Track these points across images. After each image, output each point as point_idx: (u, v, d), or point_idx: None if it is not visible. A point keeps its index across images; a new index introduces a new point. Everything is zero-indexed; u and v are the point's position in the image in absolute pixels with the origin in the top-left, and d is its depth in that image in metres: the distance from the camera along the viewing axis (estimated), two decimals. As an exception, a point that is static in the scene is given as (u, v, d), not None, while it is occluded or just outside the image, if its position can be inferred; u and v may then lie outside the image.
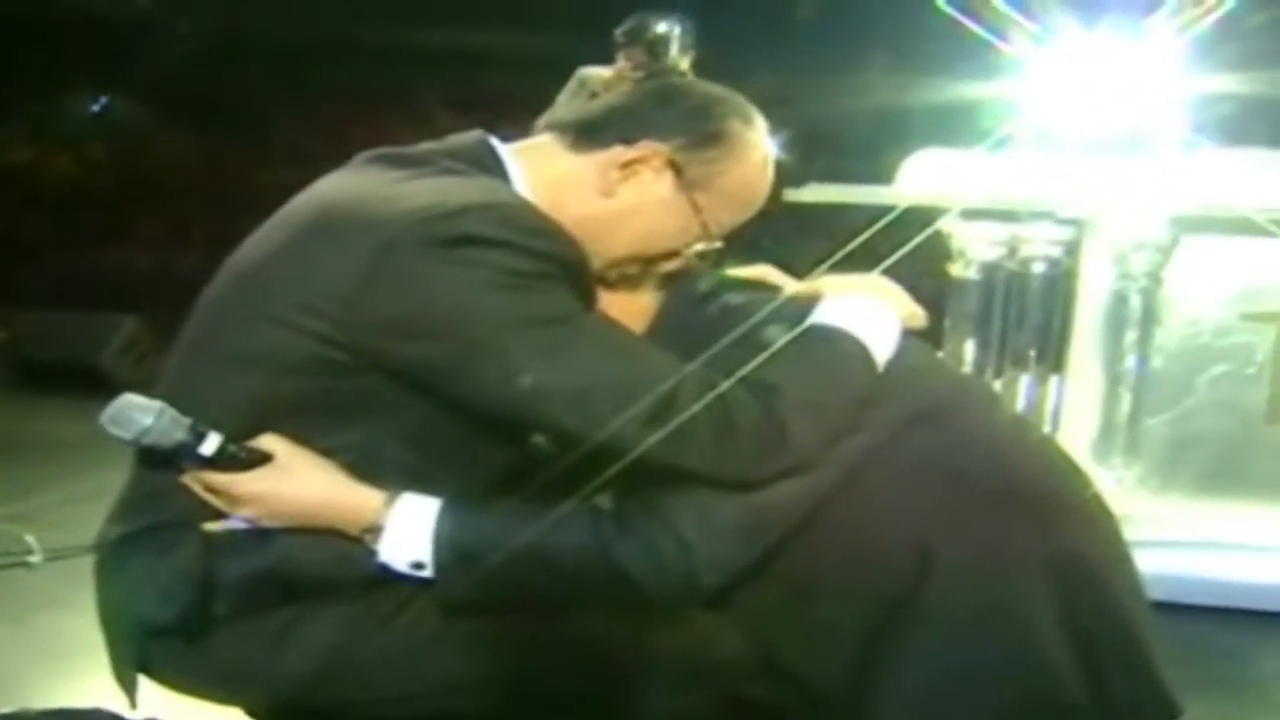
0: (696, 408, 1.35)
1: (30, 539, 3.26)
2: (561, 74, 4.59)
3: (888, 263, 1.78)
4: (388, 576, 1.42)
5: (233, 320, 1.46)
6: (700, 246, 1.59)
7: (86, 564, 1.53)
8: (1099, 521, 1.58)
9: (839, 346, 1.46)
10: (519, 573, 1.38)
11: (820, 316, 1.51)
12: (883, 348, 1.50)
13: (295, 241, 1.44)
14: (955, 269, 3.26)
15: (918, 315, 1.62)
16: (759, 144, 1.56)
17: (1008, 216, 3.19)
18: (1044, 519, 1.51)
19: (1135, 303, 3.17)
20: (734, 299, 1.62)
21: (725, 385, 1.37)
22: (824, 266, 1.78)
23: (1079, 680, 1.45)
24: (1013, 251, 3.25)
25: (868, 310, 1.52)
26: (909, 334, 1.58)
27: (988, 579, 1.46)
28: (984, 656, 1.45)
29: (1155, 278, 3.17)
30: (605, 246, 1.51)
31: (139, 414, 1.38)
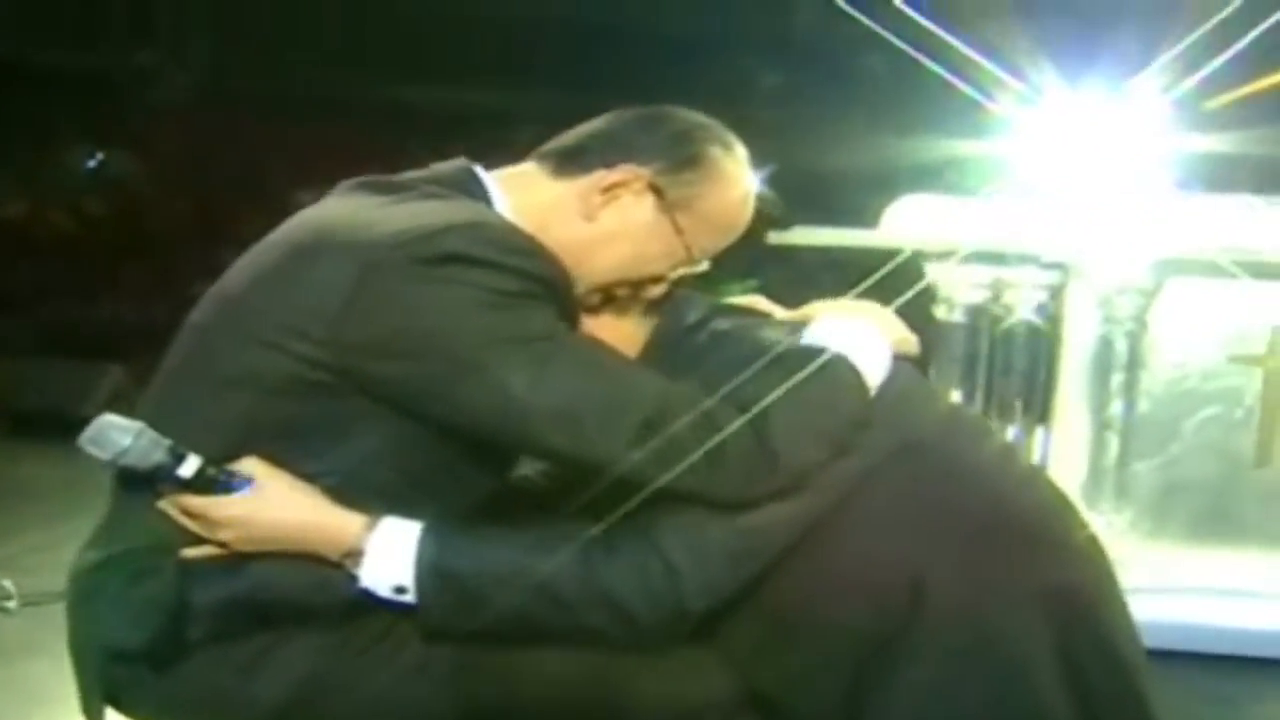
0: (685, 429, 1.33)
1: (7, 584, 3.21)
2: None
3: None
4: (368, 602, 1.40)
5: (217, 343, 1.45)
6: (683, 271, 1.59)
7: (64, 610, 1.51)
8: (1093, 557, 1.56)
9: (830, 368, 1.45)
10: (503, 597, 1.36)
11: (811, 338, 1.50)
12: (874, 371, 1.49)
13: (280, 265, 1.44)
14: (939, 312, 3.26)
15: (910, 340, 1.61)
16: (738, 169, 1.56)
17: (992, 260, 3.19)
18: (1037, 552, 1.49)
19: (1121, 346, 3.16)
20: (722, 324, 1.61)
21: (711, 403, 1.36)
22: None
23: None
24: (997, 295, 3.25)
25: (859, 333, 1.51)
26: (901, 360, 1.57)
27: (980, 612, 1.44)
28: (976, 693, 1.43)
29: (1140, 321, 3.17)
30: (590, 271, 1.51)
31: (118, 434, 1.37)
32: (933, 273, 3.22)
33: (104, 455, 1.36)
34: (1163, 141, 3.20)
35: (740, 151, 1.58)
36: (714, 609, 1.41)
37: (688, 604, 1.38)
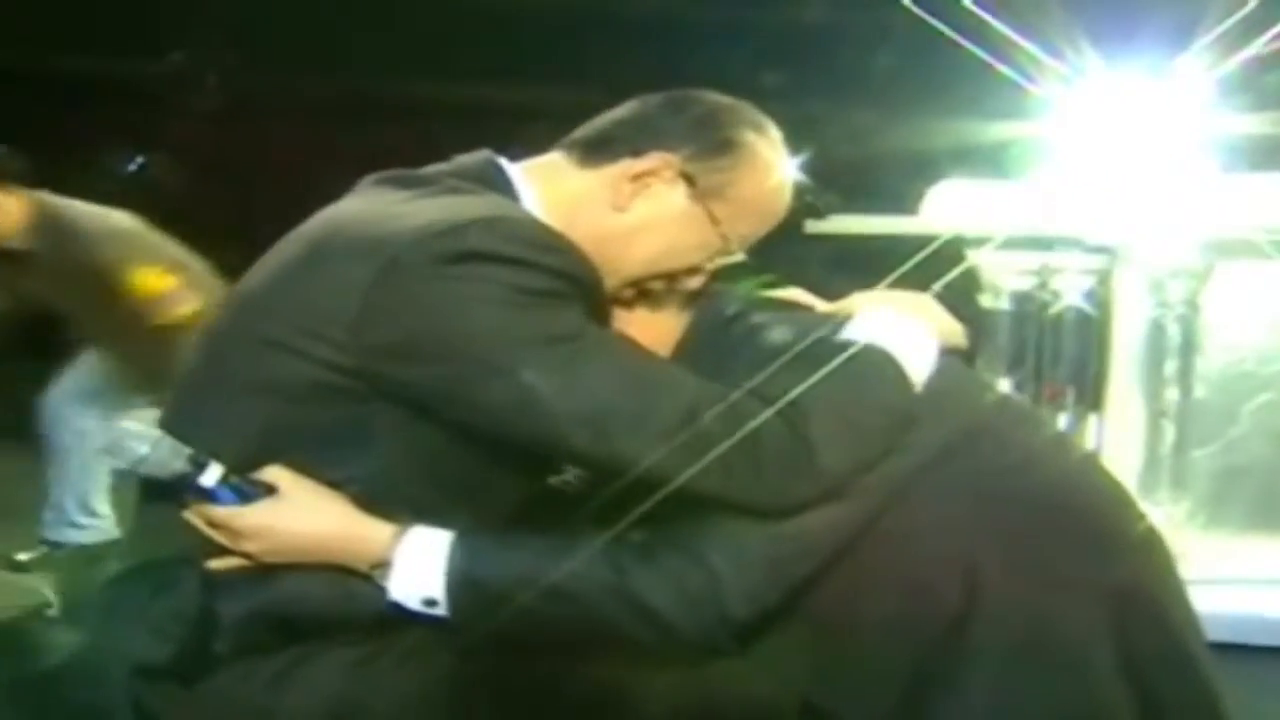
0: (719, 429, 1.27)
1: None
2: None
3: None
4: (398, 615, 1.34)
5: (235, 347, 1.40)
6: (721, 261, 1.53)
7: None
8: (1153, 548, 1.49)
9: (871, 363, 1.38)
10: (537, 608, 1.30)
11: (851, 332, 1.44)
12: (919, 365, 1.42)
13: (297, 265, 1.39)
14: (985, 300, 3.19)
15: (957, 332, 1.54)
16: (772, 152, 1.50)
17: (1038, 245, 3.12)
18: (1094, 545, 1.43)
19: (1173, 331, 3.08)
20: (760, 318, 1.55)
21: (747, 403, 1.30)
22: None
23: None
24: (1044, 282, 3.17)
25: (902, 326, 1.44)
26: (948, 353, 1.50)
27: (1038, 608, 1.37)
28: (1036, 690, 1.36)
29: (1193, 305, 3.09)
30: (623, 264, 1.45)
31: (135, 442, 1.33)
32: (976, 259, 3.15)
33: (122, 464, 1.32)
34: (1206, 122, 3.11)
35: (774, 133, 1.52)
36: (757, 617, 1.35)
37: (729, 611, 1.31)
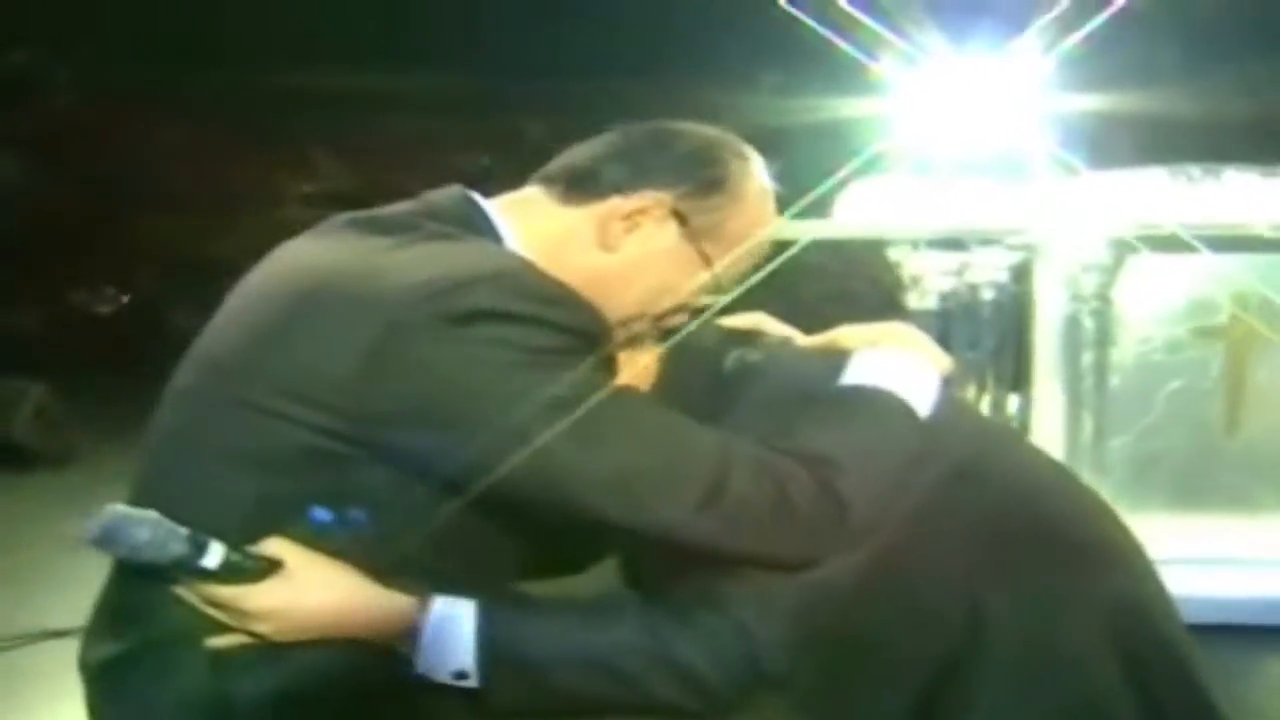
0: (751, 488, 1.26)
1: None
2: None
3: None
4: (423, 689, 1.30)
5: (212, 412, 1.32)
6: (708, 298, 1.52)
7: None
8: (1140, 557, 1.54)
9: (885, 408, 1.39)
10: (572, 676, 1.28)
11: (858, 376, 1.44)
12: (924, 403, 1.43)
13: (278, 325, 1.30)
14: (912, 299, 3.23)
15: (945, 362, 1.56)
16: (759, 184, 1.49)
17: (956, 244, 3.17)
18: (1090, 559, 1.46)
19: (1089, 324, 3.17)
20: (750, 355, 1.54)
21: (766, 455, 1.28)
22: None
23: None
24: (963, 279, 3.23)
25: (905, 365, 1.45)
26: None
27: (1042, 631, 1.40)
28: (1045, 713, 1.39)
29: (1105, 298, 3.18)
30: (612, 304, 1.41)
31: (133, 528, 1.24)
32: (900, 258, 3.20)
33: (119, 553, 1.25)
34: (1045, 101, 3.19)
35: (757, 160, 1.50)
36: (787, 665, 1.35)
37: (762, 666, 1.31)
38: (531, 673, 1.28)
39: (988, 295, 3.25)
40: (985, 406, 3.28)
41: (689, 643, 1.29)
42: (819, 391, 1.43)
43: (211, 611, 1.29)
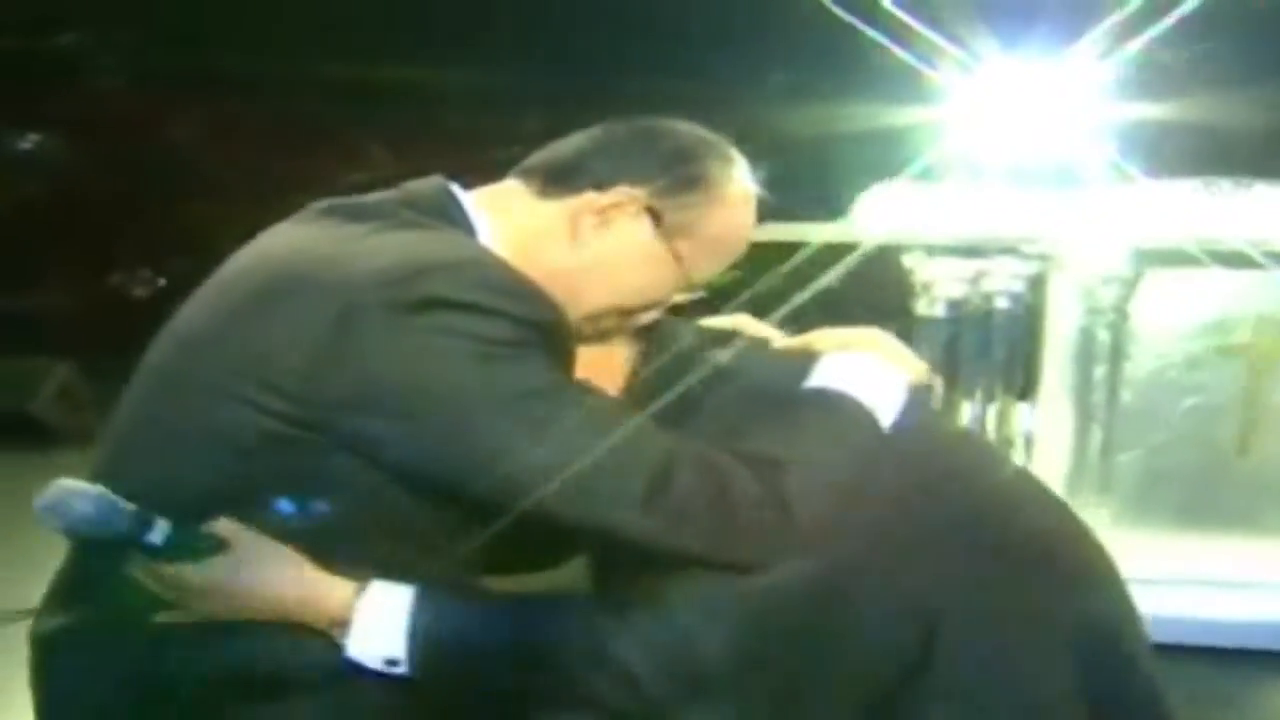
0: (696, 487, 1.24)
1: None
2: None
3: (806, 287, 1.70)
4: (359, 675, 1.29)
5: (179, 394, 1.33)
6: (681, 297, 1.50)
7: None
8: (1111, 580, 1.50)
9: (844, 412, 1.37)
10: (503, 668, 1.26)
11: (821, 379, 1.41)
12: (888, 410, 1.41)
13: (244, 307, 1.32)
14: (921, 307, 3.19)
15: (920, 370, 1.53)
16: (741, 186, 1.47)
17: (971, 251, 3.13)
18: (1057, 580, 1.43)
19: (1103, 337, 3.11)
20: (722, 357, 1.52)
21: (713, 455, 1.26)
22: (785, 308, 1.70)
23: None
24: (977, 287, 3.19)
25: (871, 370, 1.42)
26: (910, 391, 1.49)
27: (998, 649, 1.37)
28: None
29: (1122, 311, 3.12)
30: (581, 300, 1.42)
31: (77, 501, 1.24)
32: (912, 264, 3.16)
33: (61, 525, 1.25)
34: (1102, 108, 3.15)
35: (743, 167, 1.49)
36: (733, 673, 1.33)
37: (702, 670, 1.29)
38: (461, 662, 1.27)
39: (1001, 304, 3.19)
40: (992, 417, 3.23)
41: (626, 642, 1.27)
42: (781, 394, 1.41)
43: (154, 588, 1.29)
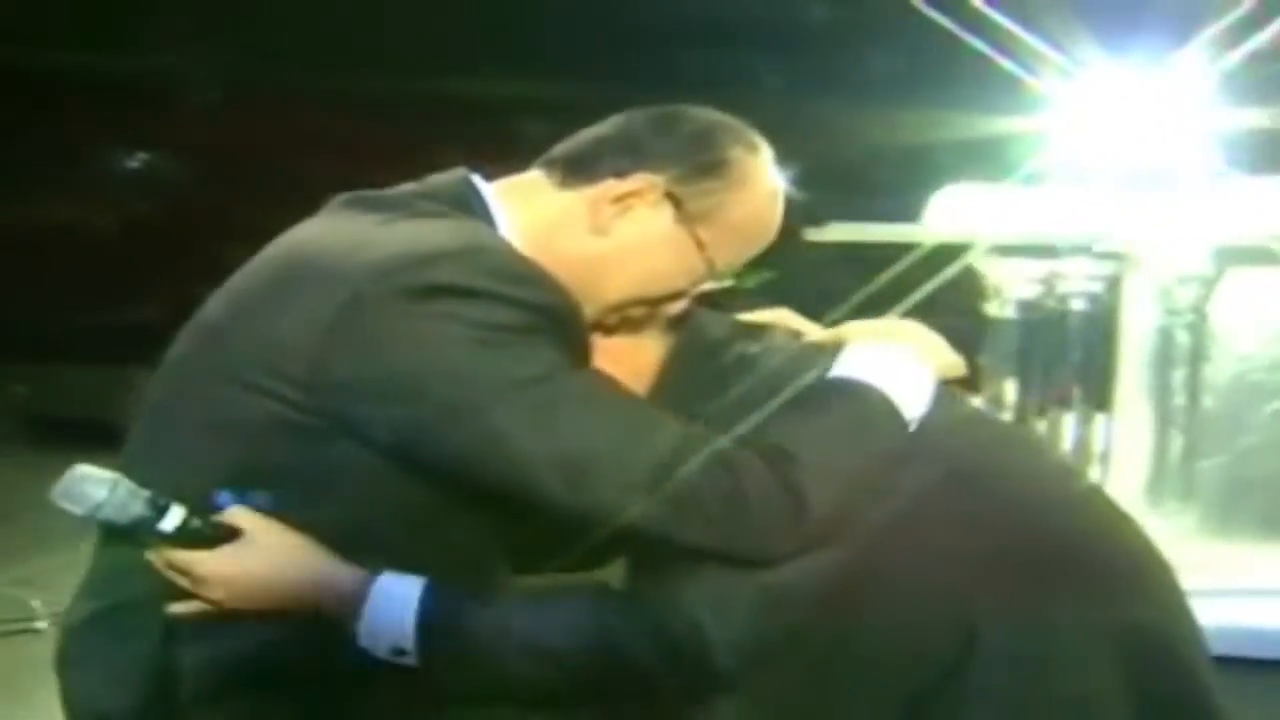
0: (702, 477, 1.21)
1: (36, 604, 3.15)
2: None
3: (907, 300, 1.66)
4: (371, 665, 1.28)
5: (195, 381, 1.34)
6: (707, 286, 1.47)
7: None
8: (1165, 586, 1.43)
9: (864, 403, 1.32)
10: (511, 660, 1.24)
11: (843, 369, 1.37)
12: (914, 402, 1.36)
13: (258, 295, 1.33)
14: (991, 308, 3.12)
15: (956, 364, 1.48)
16: (765, 173, 1.43)
17: (1044, 252, 3.05)
18: (1104, 584, 1.35)
19: (1182, 339, 3.01)
20: (750, 348, 1.49)
21: (722, 444, 1.23)
22: (846, 306, 1.66)
23: None
24: (1050, 288, 3.10)
25: (897, 361, 1.38)
26: (946, 384, 1.44)
27: (1040, 654, 1.30)
28: None
29: (1201, 312, 3.02)
30: (603, 290, 1.39)
31: (92, 487, 1.26)
32: (982, 265, 3.09)
33: (78, 510, 1.26)
34: (1208, 116, 3.04)
35: (767, 153, 1.45)
36: (743, 666, 1.29)
37: (712, 664, 1.25)
38: (468, 652, 1.25)
39: (1077, 306, 3.11)
40: (1069, 423, 3.15)
41: (637, 634, 1.24)
42: (803, 384, 1.37)
43: (170, 575, 1.30)
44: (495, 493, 1.26)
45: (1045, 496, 1.44)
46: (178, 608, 1.30)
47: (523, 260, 1.30)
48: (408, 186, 1.43)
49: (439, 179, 1.43)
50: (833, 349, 1.44)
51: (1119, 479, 3.07)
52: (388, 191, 1.42)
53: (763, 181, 1.43)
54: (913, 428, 1.36)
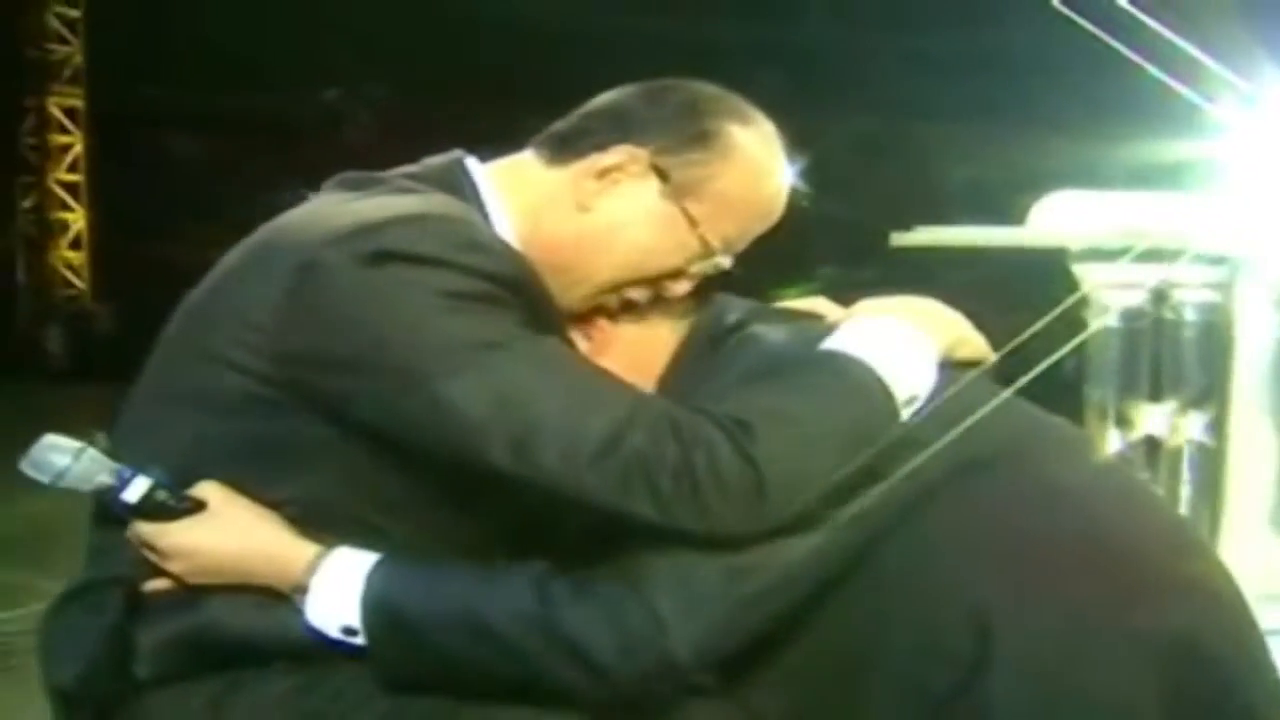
0: (653, 449, 1.14)
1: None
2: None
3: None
4: (328, 644, 1.24)
5: (174, 358, 1.34)
6: (710, 264, 1.40)
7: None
8: (1219, 594, 1.29)
9: (845, 375, 1.24)
10: (455, 642, 1.18)
11: (832, 341, 1.29)
12: (909, 379, 1.27)
13: (235, 272, 1.33)
14: (1092, 316, 2.95)
15: (974, 344, 1.38)
16: (758, 145, 1.36)
17: (1150, 257, 2.86)
18: (1143, 592, 1.23)
19: (1304, 351, 2.79)
20: (758, 330, 1.41)
21: (679, 414, 1.16)
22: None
23: None
24: (1158, 296, 2.91)
25: (895, 335, 1.29)
26: (967, 368, 1.34)
27: (1071, 661, 1.19)
28: None
29: (1324, 321, 2.79)
30: (593, 268, 1.35)
31: (57, 455, 1.26)
32: (1084, 273, 2.93)
33: (43, 478, 1.26)
34: None
35: (764, 126, 1.39)
36: (716, 662, 1.21)
37: (673, 655, 1.17)
38: (411, 631, 1.20)
39: (1190, 316, 2.91)
40: (1185, 442, 2.94)
41: (588, 618, 1.17)
42: (789, 357, 1.29)
43: (139, 549, 1.29)
44: (449, 463, 1.21)
45: (1078, 493, 1.32)
46: (149, 584, 1.29)
47: (477, 229, 1.27)
48: (403, 167, 1.41)
49: (432, 161, 1.42)
50: (829, 326, 1.37)
51: (1239, 502, 2.85)
52: (375, 172, 1.40)
53: (753, 154, 1.37)
54: (916, 405, 1.27)
